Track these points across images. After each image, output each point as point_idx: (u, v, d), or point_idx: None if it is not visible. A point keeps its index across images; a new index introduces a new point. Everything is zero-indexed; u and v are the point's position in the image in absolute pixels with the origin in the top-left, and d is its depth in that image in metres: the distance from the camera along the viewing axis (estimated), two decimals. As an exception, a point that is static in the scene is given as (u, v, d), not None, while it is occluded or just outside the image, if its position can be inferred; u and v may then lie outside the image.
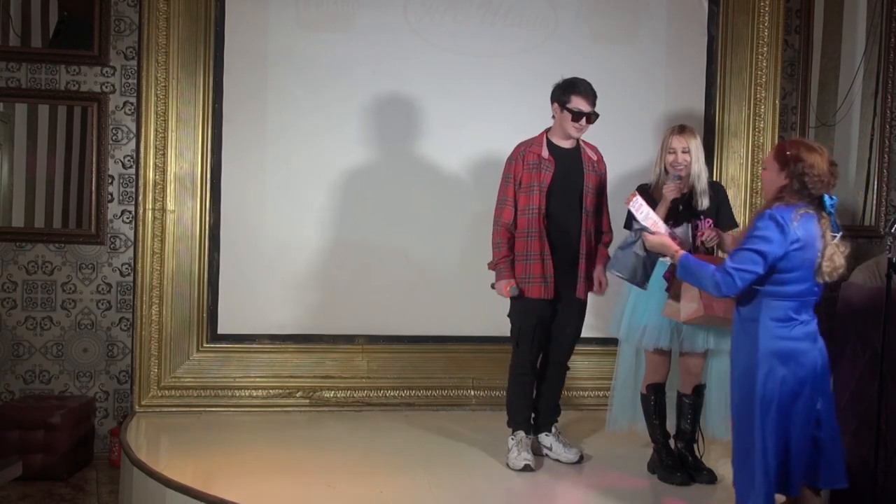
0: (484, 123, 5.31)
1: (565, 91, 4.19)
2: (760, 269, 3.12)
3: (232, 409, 5.16)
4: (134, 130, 5.32)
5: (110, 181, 5.36)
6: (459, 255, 5.31)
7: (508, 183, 4.25)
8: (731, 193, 4.82)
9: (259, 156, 5.26)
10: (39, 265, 5.32)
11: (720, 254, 4.17)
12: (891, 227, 3.96)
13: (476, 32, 5.36)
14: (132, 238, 5.30)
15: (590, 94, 4.18)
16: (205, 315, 5.22)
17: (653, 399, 4.19)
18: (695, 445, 4.19)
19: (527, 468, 4.17)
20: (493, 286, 4.30)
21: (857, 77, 6.00)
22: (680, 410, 4.19)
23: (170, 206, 5.12)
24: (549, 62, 5.05)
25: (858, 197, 6.08)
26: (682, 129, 4.14)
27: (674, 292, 3.94)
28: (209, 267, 5.22)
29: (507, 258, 4.22)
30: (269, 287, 5.27)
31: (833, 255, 3.16)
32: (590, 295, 4.35)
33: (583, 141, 4.32)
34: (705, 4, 5.56)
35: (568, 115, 4.18)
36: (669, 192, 4.05)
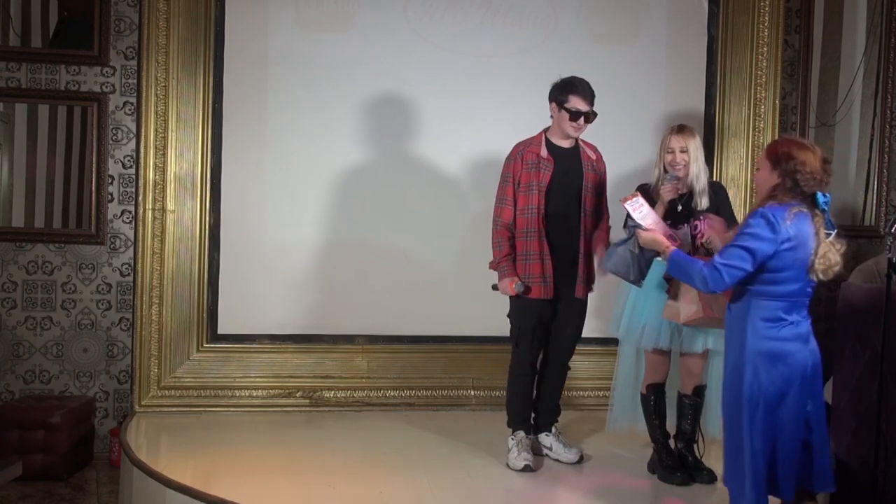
0: (484, 123, 5.32)
1: (563, 90, 4.18)
2: (749, 266, 3.11)
3: (232, 409, 5.16)
4: (134, 130, 5.33)
5: (110, 181, 5.36)
6: (459, 255, 5.31)
7: (507, 182, 4.25)
8: (731, 193, 4.82)
9: (259, 156, 5.26)
10: (39, 265, 5.32)
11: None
12: (891, 227, 3.95)
13: (476, 32, 5.36)
14: (132, 238, 5.30)
15: (588, 93, 4.17)
16: (205, 315, 5.22)
17: (653, 399, 4.19)
18: (695, 445, 4.18)
19: (527, 468, 4.17)
20: (493, 287, 4.30)
21: (857, 77, 6.00)
22: (680, 411, 4.19)
23: (170, 206, 5.12)
24: (548, 62, 5.04)
25: (858, 197, 6.09)
26: (680, 129, 4.13)
27: (673, 293, 3.94)
28: (209, 267, 5.23)
29: (508, 256, 4.21)
30: (268, 287, 5.27)
31: (827, 252, 3.13)
32: (590, 295, 4.35)
33: (582, 140, 4.31)
34: (705, 4, 5.56)
35: (566, 115, 4.17)
36: (666, 192, 4.05)
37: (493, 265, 4.28)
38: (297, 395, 5.25)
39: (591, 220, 4.27)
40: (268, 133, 5.26)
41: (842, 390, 4.38)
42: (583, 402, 5.34)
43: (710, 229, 3.93)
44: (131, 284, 5.31)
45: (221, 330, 5.25)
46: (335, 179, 5.30)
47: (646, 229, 3.60)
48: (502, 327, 4.39)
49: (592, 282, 4.35)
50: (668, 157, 4.10)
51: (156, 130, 5.09)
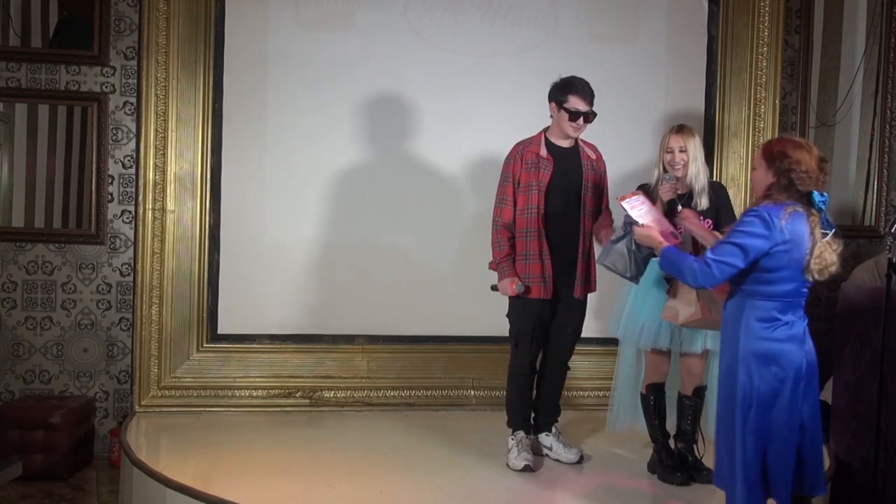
0: (484, 123, 5.31)
1: (562, 90, 4.18)
2: (741, 263, 3.09)
3: (232, 409, 5.16)
4: (134, 130, 5.33)
5: (110, 181, 5.36)
6: (459, 255, 5.31)
7: (507, 182, 4.24)
8: (731, 193, 4.82)
9: (259, 156, 5.26)
10: (39, 265, 5.32)
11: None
12: (891, 227, 3.96)
13: (476, 32, 5.36)
14: (132, 238, 5.30)
15: (587, 93, 4.16)
16: (205, 315, 5.22)
17: (652, 399, 4.19)
18: (695, 445, 4.18)
19: (527, 468, 4.17)
20: (493, 287, 4.29)
21: (857, 77, 6.01)
22: (680, 411, 4.19)
23: (170, 206, 5.12)
24: (549, 62, 5.04)
25: (858, 197, 6.09)
26: (680, 129, 4.13)
27: (674, 292, 3.94)
28: (209, 267, 5.22)
29: (509, 256, 4.20)
30: (268, 287, 5.27)
31: (823, 252, 3.10)
32: (590, 295, 4.35)
33: (581, 140, 4.31)
34: (705, 4, 5.55)
35: (565, 115, 4.17)
36: (664, 192, 4.04)
37: (493, 265, 4.28)
38: (297, 395, 5.25)
39: (590, 220, 4.27)
40: (268, 133, 5.26)
41: (842, 390, 4.39)
42: (583, 402, 5.34)
43: (686, 222, 3.88)
44: (131, 284, 5.31)
45: (221, 330, 5.25)
46: (335, 179, 5.30)
47: (640, 225, 3.59)
48: (502, 327, 4.39)
49: (593, 282, 4.35)
50: (668, 157, 4.10)
51: (156, 130, 5.08)
